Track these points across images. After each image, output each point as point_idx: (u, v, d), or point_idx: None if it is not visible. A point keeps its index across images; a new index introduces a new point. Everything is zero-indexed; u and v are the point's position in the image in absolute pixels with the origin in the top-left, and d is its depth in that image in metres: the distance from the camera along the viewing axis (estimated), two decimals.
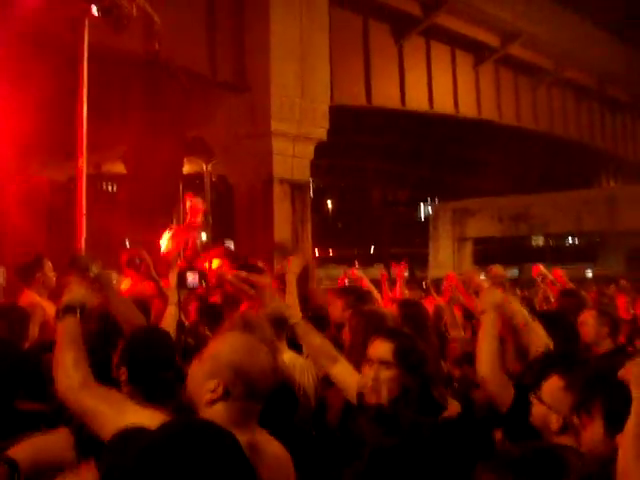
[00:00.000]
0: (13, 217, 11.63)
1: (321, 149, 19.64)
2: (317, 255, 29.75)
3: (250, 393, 2.33)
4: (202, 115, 17.74)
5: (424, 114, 24.46)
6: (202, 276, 4.68)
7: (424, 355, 3.09)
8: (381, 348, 3.13)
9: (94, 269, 4.16)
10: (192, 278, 4.49)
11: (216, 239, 32.39)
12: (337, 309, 5.00)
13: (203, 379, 2.33)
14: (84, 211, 10.87)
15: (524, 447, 1.47)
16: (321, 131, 19.00)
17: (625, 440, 1.95)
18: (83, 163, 11.56)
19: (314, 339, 3.72)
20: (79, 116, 11.65)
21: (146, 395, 2.86)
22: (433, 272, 30.77)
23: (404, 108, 23.32)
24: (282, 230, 18.08)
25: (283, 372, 3.76)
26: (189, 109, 17.15)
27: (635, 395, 2.05)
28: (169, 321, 4.41)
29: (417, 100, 23.49)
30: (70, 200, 12.06)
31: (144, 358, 3.17)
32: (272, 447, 2.41)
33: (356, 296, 5.12)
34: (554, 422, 2.66)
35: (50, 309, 5.28)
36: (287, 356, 4.22)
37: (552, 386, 2.76)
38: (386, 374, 3.04)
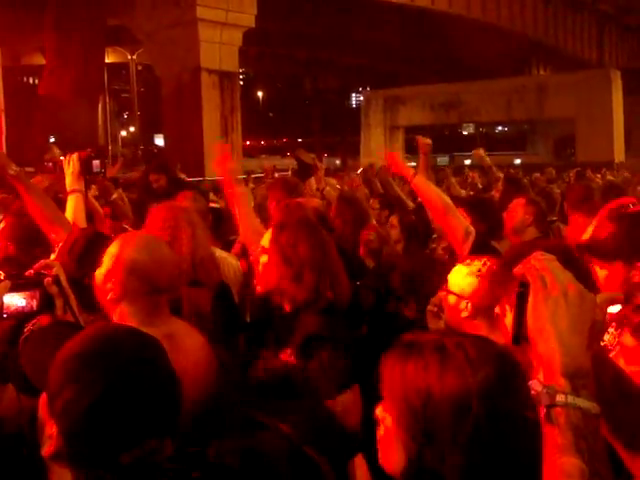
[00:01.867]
0: None
1: (250, 37, 19.14)
2: (248, 145, 29.43)
3: (150, 288, 2.34)
4: (124, 2, 16.98)
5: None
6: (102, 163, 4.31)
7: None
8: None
9: (13, 167, 3.89)
10: (97, 162, 4.17)
11: (144, 131, 31.76)
12: (271, 203, 4.98)
13: (103, 281, 2.35)
14: (2, 106, 10.45)
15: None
16: (249, 17, 18.45)
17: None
18: None
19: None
20: None
21: None
22: (364, 160, 30.80)
23: None
24: (211, 120, 17.78)
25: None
26: None
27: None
28: (76, 211, 3.88)
29: None
30: None
31: None
32: (191, 337, 2.41)
33: (285, 188, 5.09)
34: (464, 309, 2.73)
35: None
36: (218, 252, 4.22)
37: (458, 271, 2.82)
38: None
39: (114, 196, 6.60)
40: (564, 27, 35.75)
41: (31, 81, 23.82)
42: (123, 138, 34.34)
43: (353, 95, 53.99)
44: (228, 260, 4.31)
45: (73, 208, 3.89)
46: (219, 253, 4.28)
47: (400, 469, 1.34)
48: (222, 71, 17.91)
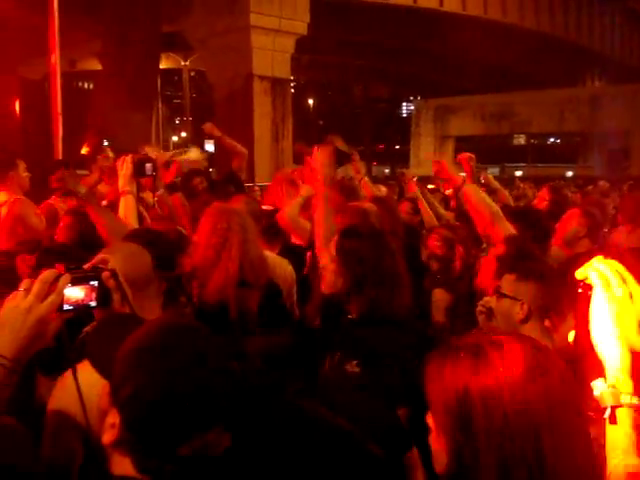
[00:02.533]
0: None
1: (302, 44, 19.23)
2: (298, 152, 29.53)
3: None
4: (179, 9, 17.20)
5: (407, 9, 23.89)
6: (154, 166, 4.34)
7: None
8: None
9: (81, 190, 3.97)
10: (149, 165, 4.20)
11: (195, 137, 32.08)
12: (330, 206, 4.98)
13: None
14: (59, 110, 10.64)
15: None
16: (302, 25, 18.54)
17: None
18: (56, 60, 11.24)
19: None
20: (50, 9, 11.26)
21: None
22: (414, 170, 30.67)
23: (387, 2, 22.75)
24: (262, 127, 17.88)
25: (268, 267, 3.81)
26: (165, 2, 16.61)
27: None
28: (127, 212, 3.94)
29: None
30: (45, 99, 11.79)
31: None
32: None
33: (341, 192, 5.11)
34: (519, 312, 2.71)
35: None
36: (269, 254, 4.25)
37: (510, 279, 2.80)
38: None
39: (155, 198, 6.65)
40: (620, 37, 35.20)
41: (86, 86, 24.20)
42: (175, 143, 34.78)
43: (404, 104, 53.83)
44: (280, 263, 4.35)
45: (125, 209, 3.95)
46: (271, 256, 4.32)
47: (443, 469, 1.35)
48: (274, 78, 18.03)
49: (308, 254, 4.59)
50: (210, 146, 29.15)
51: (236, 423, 1.49)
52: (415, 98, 44.81)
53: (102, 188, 5.99)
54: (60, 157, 9.44)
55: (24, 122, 10.73)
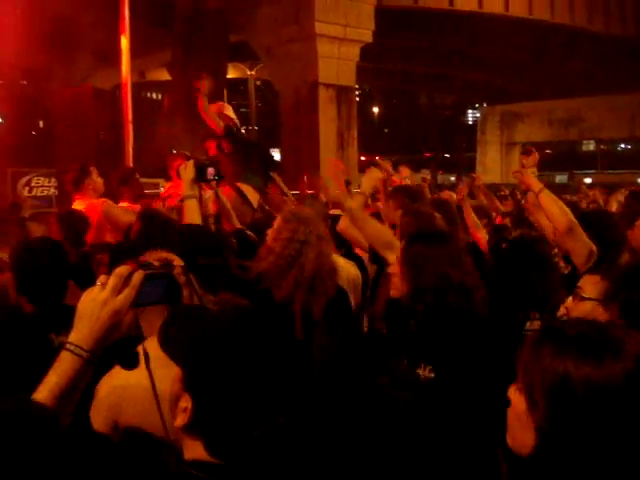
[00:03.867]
0: (61, 126, 11.70)
1: (367, 52, 19.26)
2: (363, 160, 29.49)
3: None
4: (245, 18, 17.42)
5: (473, 14, 23.68)
6: (217, 171, 4.42)
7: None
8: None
9: None
10: (211, 170, 4.28)
11: (263, 144, 32.34)
12: (389, 209, 4.97)
13: None
14: (130, 118, 10.93)
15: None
16: (367, 33, 18.59)
17: None
18: (127, 70, 11.54)
19: (371, 224, 3.87)
20: (122, 21, 11.54)
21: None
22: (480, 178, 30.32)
23: (452, 8, 22.61)
24: (327, 135, 17.95)
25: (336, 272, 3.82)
26: (232, 12, 16.84)
27: None
28: (191, 216, 4.02)
29: (466, 0, 22.71)
30: (116, 108, 12.10)
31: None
32: None
33: (407, 195, 5.08)
34: (604, 313, 2.67)
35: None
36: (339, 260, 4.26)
37: (590, 280, 2.77)
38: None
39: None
40: None
41: (155, 96, 24.66)
42: None
43: (469, 111, 53.36)
44: (347, 268, 4.35)
45: (188, 213, 4.03)
46: (339, 261, 4.34)
47: (528, 451, 1.36)
48: (339, 86, 18.10)
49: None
50: (276, 154, 29.36)
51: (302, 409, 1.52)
52: (481, 105, 44.37)
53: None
54: (130, 164, 9.66)
55: (96, 130, 11.03)
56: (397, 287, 3.08)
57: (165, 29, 16.56)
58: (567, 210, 3.92)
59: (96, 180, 6.03)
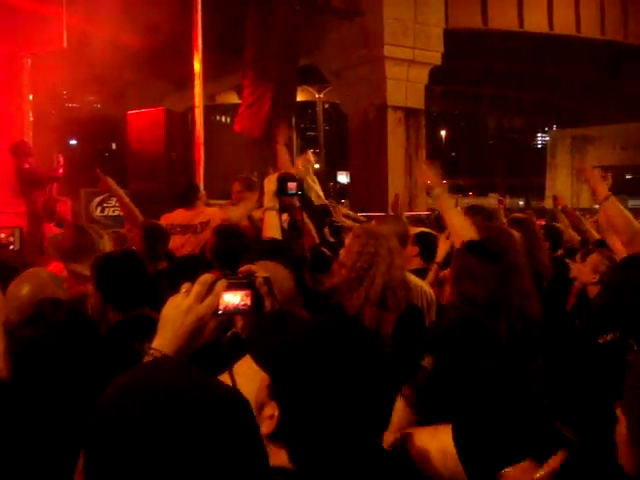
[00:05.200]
0: (133, 148, 11.99)
1: (435, 75, 19.21)
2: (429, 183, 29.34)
3: None
4: (314, 42, 17.58)
5: (543, 36, 23.38)
6: (299, 185, 4.50)
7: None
8: None
9: None
10: (293, 185, 4.36)
11: (328, 169, 32.52)
12: None
13: None
14: (201, 140, 11.15)
15: None
16: (436, 55, 18.55)
17: None
18: (200, 93, 11.80)
19: (456, 214, 4.12)
20: (194, 46, 11.79)
21: None
22: (550, 202, 29.82)
23: (522, 30, 22.36)
24: (396, 158, 17.91)
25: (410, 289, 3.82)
26: (302, 36, 17.01)
27: None
28: (270, 228, 4.14)
29: (536, 21, 22.43)
30: (187, 130, 12.36)
31: None
32: None
33: (483, 215, 5.12)
34: None
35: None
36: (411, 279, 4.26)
37: None
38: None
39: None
40: None
41: (223, 119, 25.02)
42: None
43: (538, 135, 52.70)
44: (421, 287, 4.35)
45: (267, 224, 4.15)
46: (413, 279, 4.32)
47: (629, 469, 1.30)
48: (408, 108, 18.06)
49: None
50: (343, 177, 29.45)
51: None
52: (550, 128, 43.76)
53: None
54: (201, 185, 9.80)
55: (168, 151, 11.31)
56: (446, 293, 3.10)
57: (235, 53, 16.80)
58: (633, 220, 3.84)
59: (204, 193, 6.56)
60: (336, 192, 27.73)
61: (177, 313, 1.68)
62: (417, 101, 18.51)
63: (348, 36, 17.45)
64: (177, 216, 6.66)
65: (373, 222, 4.90)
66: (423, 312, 4.04)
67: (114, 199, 11.53)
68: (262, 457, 1.16)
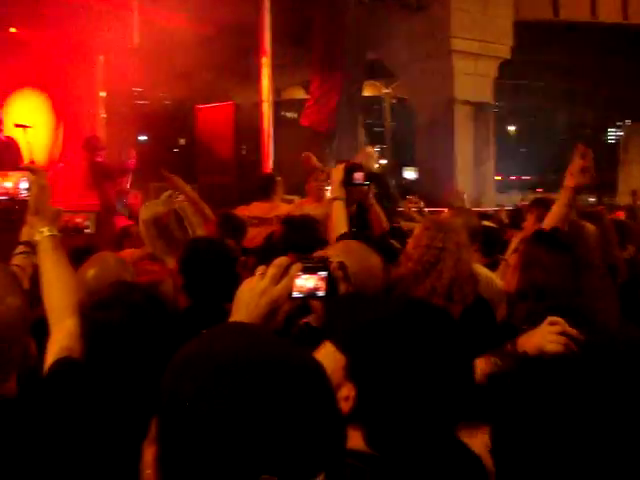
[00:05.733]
0: (203, 142, 12.16)
1: (504, 68, 18.88)
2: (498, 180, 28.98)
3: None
4: (381, 36, 17.44)
5: (617, 26, 22.75)
6: (367, 175, 4.47)
7: None
8: None
9: None
10: (360, 175, 4.35)
11: (394, 164, 32.35)
12: (530, 221, 4.90)
13: None
14: (271, 134, 11.25)
15: None
16: (504, 49, 18.22)
17: None
18: (268, 88, 11.88)
19: None
20: (262, 41, 11.87)
21: None
22: (622, 199, 29.06)
23: (595, 20, 21.80)
24: (463, 153, 17.67)
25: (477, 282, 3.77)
26: (369, 30, 16.94)
27: None
28: (337, 218, 4.13)
29: (610, 11, 21.83)
30: (256, 125, 12.47)
31: None
32: None
33: (548, 208, 4.99)
34: None
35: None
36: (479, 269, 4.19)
37: None
38: None
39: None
40: None
41: (289, 115, 25.10)
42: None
43: (610, 129, 51.42)
44: (491, 279, 4.30)
45: (334, 214, 4.17)
46: (483, 271, 4.27)
47: None
48: (476, 102, 17.79)
49: None
50: (409, 173, 29.26)
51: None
52: (623, 123, 42.58)
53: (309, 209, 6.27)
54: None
55: (237, 145, 11.44)
56: (509, 281, 3.05)
57: (302, 48, 16.84)
58: None
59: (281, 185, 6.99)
60: (402, 188, 27.51)
61: (251, 295, 1.68)
62: (486, 95, 18.21)
63: (415, 29, 17.25)
64: (254, 208, 6.77)
65: (446, 213, 4.84)
66: (492, 304, 4.00)
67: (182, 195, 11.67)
68: (340, 428, 1.12)
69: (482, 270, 4.25)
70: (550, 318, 2.27)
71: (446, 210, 5.83)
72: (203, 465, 0.97)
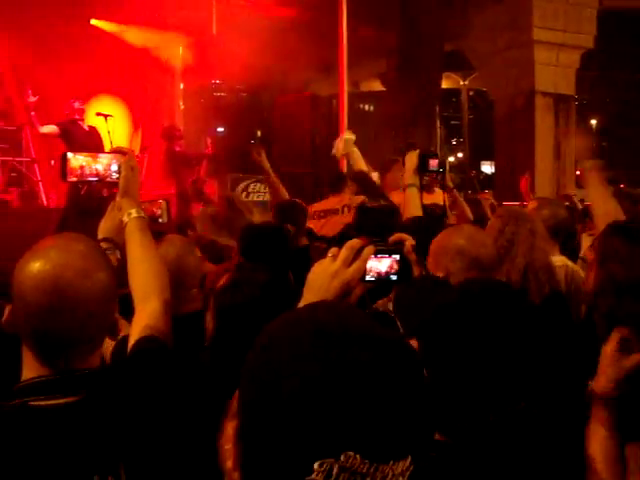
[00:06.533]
0: (279, 133, 12.23)
1: (587, 59, 18.36)
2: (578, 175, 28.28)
3: (472, 265, 2.68)
4: (460, 26, 17.18)
5: None
6: (441, 162, 4.45)
7: None
8: None
9: None
10: (434, 162, 4.32)
11: (472, 158, 31.94)
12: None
13: (432, 266, 2.57)
14: (346, 125, 11.23)
15: None
16: (588, 38, 17.70)
17: None
18: (345, 80, 11.88)
19: (603, 193, 3.94)
20: (340, 33, 11.85)
21: None
22: None
23: None
24: (543, 146, 17.28)
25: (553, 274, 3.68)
26: (448, 21, 16.71)
27: None
28: (411, 204, 4.13)
29: None
30: (331, 116, 12.48)
31: None
32: None
33: (631, 200, 4.90)
34: None
35: None
36: (557, 259, 4.09)
37: None
38: None
39: None
40: None
41: (366, 107, 25.08)
42: (451, 164, 34.82)
43: None
44: (571, 268, 4.19)
45: (408, 201, 4.15)
46: (561, 261, 4.18)
47: None
48: (557, 94, 17.36)
49: None
50: (487, 167, 28.86)
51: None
52: None
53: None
54: (344, 169, 9.89)
55: (312, 136, 11.49)
56: (587, 278, 2.95)
57: (380, 40, 16.75)
58: None
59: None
60: (480, 182, 27.20)
61: (323, 277, 1.63)
62: (567, 87, 17.74)
63: (495, 19, 16.90)
64: (325, 203, 6.94)
65: (532, 204, 4.72)
66: (568, 296, 3.92)
67: (258, 185, 11.80)
68: (429, 410, 1.07)
69: (560, 260, 4.14)
70: None
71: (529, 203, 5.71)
72: (286, 438, 0.93)
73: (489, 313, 1.37)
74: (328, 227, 6.42)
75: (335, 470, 0.90)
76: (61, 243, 1.83)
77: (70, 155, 2.74)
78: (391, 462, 0.92)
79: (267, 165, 6.64)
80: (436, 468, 1.35)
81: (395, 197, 6.25)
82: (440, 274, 2.50)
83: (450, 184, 5.69)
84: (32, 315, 1.71)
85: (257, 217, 4.73)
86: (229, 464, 1.04)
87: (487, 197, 7.73)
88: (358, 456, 0.90)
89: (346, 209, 6.73)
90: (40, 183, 12.01)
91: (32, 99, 9.87)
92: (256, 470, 0.97)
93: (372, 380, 0.94)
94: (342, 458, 0.90)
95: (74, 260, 1.76)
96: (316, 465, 0.90)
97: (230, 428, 1.05)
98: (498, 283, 1.77)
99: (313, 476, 0.90)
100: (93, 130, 10.36)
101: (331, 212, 6.83)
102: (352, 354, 0.95)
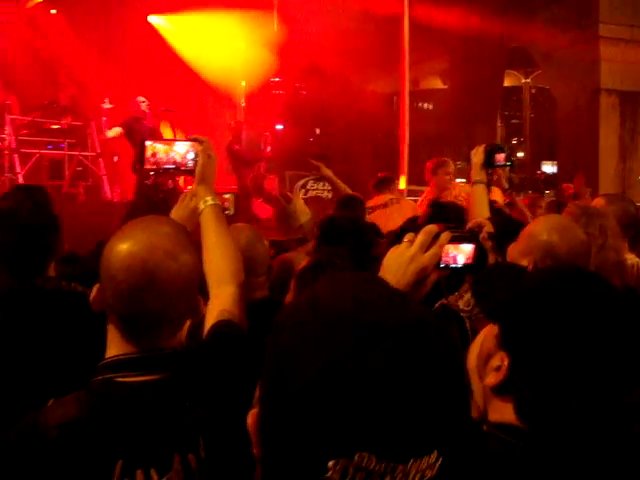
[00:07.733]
0: (341, 129, 12.27)
1: None
2: None
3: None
4: (522, 23, 16.93)
5: None
6: (508, 156, 4.33)
7: None
8: None
9: None
10: (501, 156, 4.20)
11: (533, 158, 31.46)
12: None
13: (518, 256, 2.50)
14: (407, 121, 11.21)
15: None
16: None
17: None
18: (406, 78, 11.85)
19: None
20: (401, 31, 11.83)
21: None
22: None
23: None
24: (608, 145, 16.91)
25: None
26: (511, 18, 16.49)
27: None
28: (477, 202, 4.01)
29: None
30: (392, 113, 12.46)
31: None
32: None
33: None
34: None
35: None
36: (627, 257, 4.01)
37: None
38: None
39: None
40: None
41: (425, 106, 24.91)
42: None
43: None
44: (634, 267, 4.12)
45: (474, 198, 4.03)
46: (630, 259, 4.10)
47: None
48: (623, 92, 16.96)
49: None
50: (548, 167, 28.39)
51: None
52: None
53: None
54: (405, 167, 9.87)
55: (373, 133, 11.50)
56: None
57: (441, 37, 16.63)
58: None
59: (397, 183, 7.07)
60: (541, 182, 26.77)
61: (400, 262, 1.63)
62: (634, 84, 17.28)
63: (559, 15, 16.59)
64: (370, 201, 7.11)
65: (598, 201, 4.60)
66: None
67: (317, 182, 11.87)
68: (465, 401, 1.01)
69: (629, 256, 4.06)
70: None
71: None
72: (299, 433, 0.89)
73: (573, 296, 1.35)
74: (374, 219, 6.62)
75: (351, 470, 0.86)
76: (149, 225, 1.87)
77: (148, 143, 2.77)
78: (411, 460, 0.88)
79: (329, 173, 6.83)
80: (495, 455, 1.34)
81: (446, 197, 6.37)
82: (526, 264, 2.44)
83: (506, 185, 5.57)
84: (122, 295, 1.75)
85: (305, 218, 4.80)
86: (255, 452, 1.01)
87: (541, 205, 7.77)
88: (373, 457, 0.86)
89: (394, 201, 7.08)
90: (104, 177, 12.28)
91: (108, 106, 10.09)
92: (271, 462, 0.95)
93: (394, 371, 0.88)
94: (356, 458, 0.86)
95: (162, 241, 1.79)
96: (330, 463, 0.86)
97: (251, 416, 1.02)
98: (580, 268, 1.75)
99: (328, 475, 0.87)
100: (155, 129, 10.56)
101: (377, 207, 7.07)
102: (373, 341, 0.89)
